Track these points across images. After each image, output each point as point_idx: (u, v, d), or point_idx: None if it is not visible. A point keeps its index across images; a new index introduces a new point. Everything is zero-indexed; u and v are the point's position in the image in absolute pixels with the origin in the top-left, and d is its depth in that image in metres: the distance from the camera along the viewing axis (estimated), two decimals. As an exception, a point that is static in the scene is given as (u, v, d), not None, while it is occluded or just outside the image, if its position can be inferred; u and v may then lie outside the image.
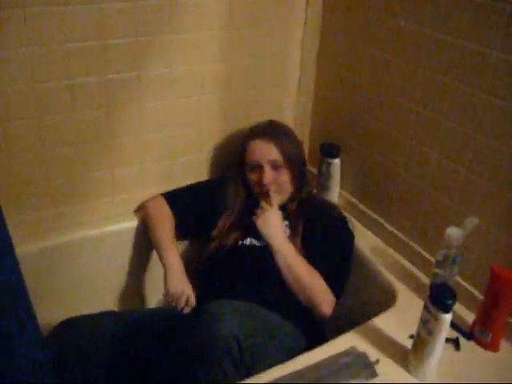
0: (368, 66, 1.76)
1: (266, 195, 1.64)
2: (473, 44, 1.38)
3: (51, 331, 1.44)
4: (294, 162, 1.67)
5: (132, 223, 1.84)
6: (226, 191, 1.76)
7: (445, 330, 1.20)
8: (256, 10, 1.81)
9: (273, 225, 1.60)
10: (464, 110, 1.44)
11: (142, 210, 1.79)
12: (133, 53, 1.66)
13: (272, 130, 1.70)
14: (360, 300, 1.70)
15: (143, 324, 1.52)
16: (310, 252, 1.61)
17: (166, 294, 1.51)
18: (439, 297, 1.19)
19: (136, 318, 1.55)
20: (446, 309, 1.18)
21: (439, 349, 1.23)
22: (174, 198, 1.77)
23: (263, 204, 1.64)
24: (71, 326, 1.45)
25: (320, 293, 1.54)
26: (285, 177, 1.65)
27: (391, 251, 1.75)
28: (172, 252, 1.60)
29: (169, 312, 1.59)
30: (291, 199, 1.71)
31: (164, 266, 1.56)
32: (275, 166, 1.64)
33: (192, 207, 1.76)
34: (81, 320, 1.47)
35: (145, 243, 1.85)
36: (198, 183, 1.86)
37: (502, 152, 1.36)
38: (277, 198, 1.65)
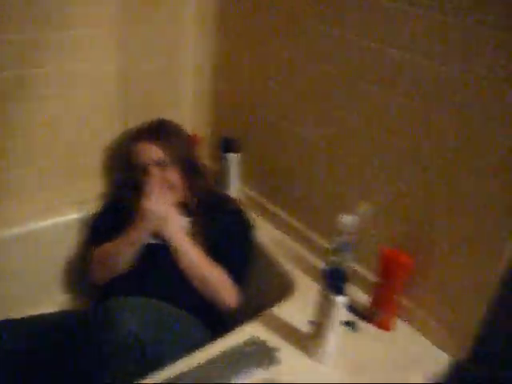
0: (262, 59, 1.80)
1: None
2: (373, 43, 1.43)
3: None
4: (181, 159, 1.67)
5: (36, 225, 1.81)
6: (122, 203, 1.74)
7: (339, 312, 1.25)
8: (148, 6, 1.80)
9: (170, 224, 1.60)
10: (353, 101, 1.51)
11: (91, 265, 1.71)
12: (23, 50, 1.60)
13: (154, 130, 1.71)
14: (261, 290, 1.73)
15: (42, 332, 1.45)
16: (212, 247, 1.62)
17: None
18: (331, 280, 1.24)
19: (35, 324, 1.48)
20: (338, 291, 1.23)
21: (336, 330, 1.28)
22: (95, 239, 1.74)
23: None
24: None
25: (223, 287, 1.57)
26: (173, 174, 1.65)
27: (291, 242, 1.80)
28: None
29: (72, 315, 1.56)
30: (190, 195, 1.71)
31: (132, 235, 1.58)
32: (161, 165, 1.64)
33: (109, 232, 1.69)
34: None
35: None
36: (100, 212, 1.84)
37: (391, 143, 1.44)
38: (171, 197, 1.64)
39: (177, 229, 1.61)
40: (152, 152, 1.64)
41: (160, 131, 1.70)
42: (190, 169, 1.70)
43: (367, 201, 1.50)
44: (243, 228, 1.73)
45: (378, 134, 1.47)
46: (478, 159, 1.24)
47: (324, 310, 1.26)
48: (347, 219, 1.49)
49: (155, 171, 1.63)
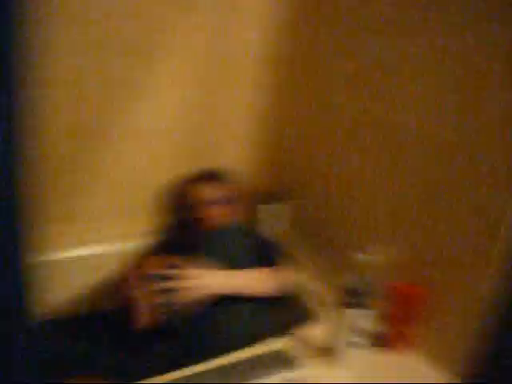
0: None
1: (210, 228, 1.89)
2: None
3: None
4: (229, 199, 1.97)
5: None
6: (173, 241, 2.01)
7: (348, 323, 1.48)
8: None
9: (213, 284, 1.68)
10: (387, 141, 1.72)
11: None
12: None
13: (210, 175, 2.03)
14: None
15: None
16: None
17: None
18: (347, 295, 1.47)
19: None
20: (352, 305, 1.46)
21: (346, 341, 1.51)
22: None
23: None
24: None
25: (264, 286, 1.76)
26: (225, 210, 1.94)
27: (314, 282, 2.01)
28: None
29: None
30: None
31: None
32: (214, 204, 1.93)
33: None
34: None
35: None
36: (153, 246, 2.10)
37: (416, 185, 1.62)
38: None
39: (217, 283, 1.69)
40: (210, 192, 1.95)
41: (215, 176, 2.03)
42: (237, 207, 2.00)
43: (383, 241, 1.72)
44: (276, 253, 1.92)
45: (389, 180, 1.69)
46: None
47: (338, 323, 1.48)
48: (361, 257, 1.69)
49: (208, 209, 1.92)
